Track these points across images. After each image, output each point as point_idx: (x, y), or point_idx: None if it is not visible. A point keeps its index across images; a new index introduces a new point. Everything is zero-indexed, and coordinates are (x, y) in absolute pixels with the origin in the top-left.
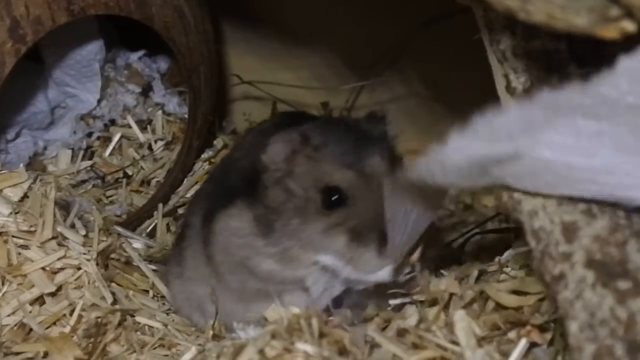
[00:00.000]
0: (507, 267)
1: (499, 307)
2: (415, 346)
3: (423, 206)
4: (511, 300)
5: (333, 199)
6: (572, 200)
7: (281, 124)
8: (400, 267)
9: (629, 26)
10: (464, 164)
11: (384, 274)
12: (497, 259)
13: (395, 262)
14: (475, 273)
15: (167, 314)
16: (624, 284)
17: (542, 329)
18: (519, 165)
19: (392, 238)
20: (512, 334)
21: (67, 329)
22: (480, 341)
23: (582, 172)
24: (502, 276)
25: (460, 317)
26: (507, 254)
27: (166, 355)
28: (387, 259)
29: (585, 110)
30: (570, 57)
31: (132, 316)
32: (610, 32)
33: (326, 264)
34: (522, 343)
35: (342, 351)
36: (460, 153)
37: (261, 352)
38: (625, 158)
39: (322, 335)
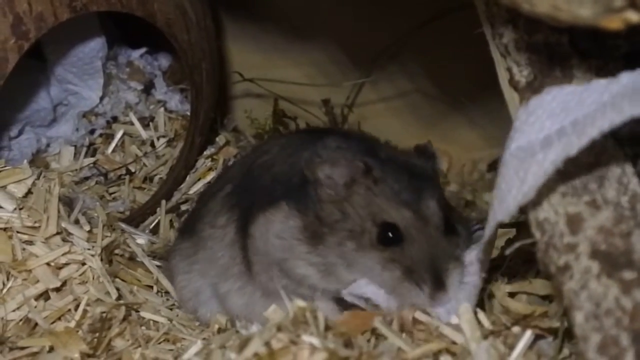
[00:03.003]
0: (510, 261)
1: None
2: (420, 339)
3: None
4: (519, 307)
5: (389, 235)
6: (576, 191)
7: (319, 136)
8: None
9: (633, 17)
10: None
11: (442, 316)
12: (500, 253)
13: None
14: None
15: (172, 309)
16: (629, 274)
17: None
18: None
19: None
20: (516, 329)
21: (72, 324)
22: (487, 335)
23: None
24: (506, 271)
25: (465, 310)
26: (511, 248)
27: (171, 350)
28: (439, 303)
29: None
30: (572, 50)
31: (137, 311)
32: (614, 23)
33: (372, 297)
34: (527, 335)
35: (348, 343)
36: None
37: (267, 344)
38: None
39: (327, 327)
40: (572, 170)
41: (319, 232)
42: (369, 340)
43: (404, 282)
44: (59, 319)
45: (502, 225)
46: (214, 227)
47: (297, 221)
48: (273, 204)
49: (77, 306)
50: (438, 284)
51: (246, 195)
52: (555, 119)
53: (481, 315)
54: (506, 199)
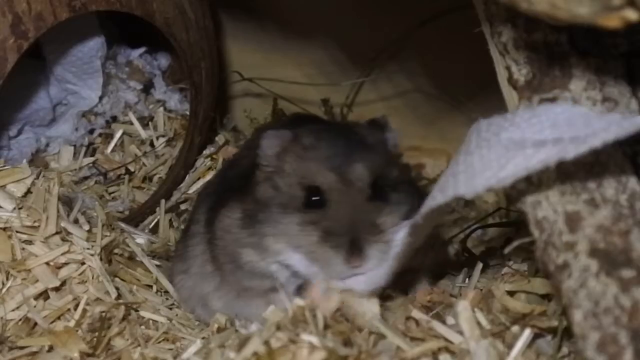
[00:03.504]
0: (509, 260)
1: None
2: (419, 338)
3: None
4: (517, 306)
5: (313, 198)
6: (575, 190)
7: (289, 125)
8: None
9: (631, 15)
10: None
11: (358, 283)
12: (499, 252)
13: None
14: (479, 267)
15: (171, 308)
16: (627, 273)
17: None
18: None
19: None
20: (515, 328)
21: (72, 323)
22: (485, 333)
23: None
24: (505, 269)
25: (463, 308)
26: (510, 246)
27: (170, 349)
28: (355, 268)
29: None
30: (571, 49)
31: (136, 310)
32: (612, 22)
33: (294, 265)
34: (526, 334)
35: (347, 342)
36: None
37: (266, 343)
38: None
39: (326, 326)
40: (571, 168)
41: (255, 213)
42: (368, 339)
43: (321, 246)
44: (59, 318)
45: (500, 224)
46: (193, 222)
47: (239, 211)
48: (228, 201)
49: (77, 306)
50: (354, 250)
51: (214, 190)
52: (556, 129)
53: (480, 314)
54: (476, 178)
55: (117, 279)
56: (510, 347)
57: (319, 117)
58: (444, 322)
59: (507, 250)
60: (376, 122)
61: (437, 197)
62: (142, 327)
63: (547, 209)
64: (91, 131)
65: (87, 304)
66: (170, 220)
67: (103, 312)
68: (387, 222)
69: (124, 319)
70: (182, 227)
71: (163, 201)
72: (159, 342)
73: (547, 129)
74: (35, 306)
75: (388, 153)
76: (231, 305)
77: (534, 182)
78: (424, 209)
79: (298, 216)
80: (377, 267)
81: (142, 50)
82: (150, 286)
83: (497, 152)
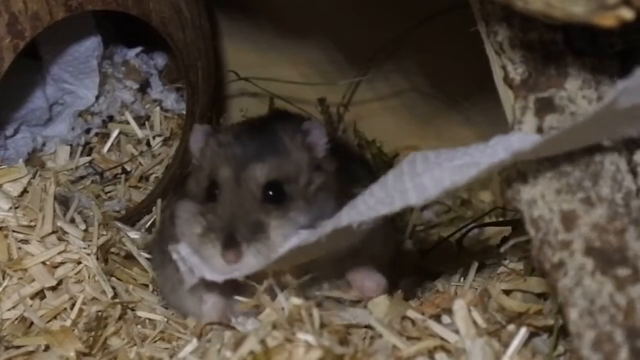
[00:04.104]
0: (505, 259)
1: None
2: (415, 337)
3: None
4: (513, 305)
5: (212, 192)
6: (571, 189)
7: (262, 121)
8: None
9: (626, 14)
10: None
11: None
12: (495, 251)
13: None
14: (475, 266)
15: (167, 307)
16: (623, 271)
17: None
18: None
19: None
20: (511, 327)
21: (68, 323)
22: (481, 332)
23: None
24: (501, 268)
25: (459, 307)
26: (506, 245)
27: (167, 348)
28: (231, 263)
29: None
30: (567, 48)
31: (133, 310)
32: (608, 20)
33: (182, 255)
34: (522, 333)
35: (343, 341)
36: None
37: (262, 342)
38: None
39: (323, 325)
40: (566, 167)
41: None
42: (364, 338)
43: (203, 238)
44: (55, 317)
45: (497, 223)
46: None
47: (173, 204)
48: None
49: (73, 305)
50: (230, 245)
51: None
52: (509, 151)
53: (476, 313)
54: (429, 189)
55: (113, 279)
56: (506, 345)
57: (294, 114)
58: (439, 321)
59: (503, 249)
60: (302, 127)
61: (379, 210)
62: (139, 326)
63: (542, 207)
64: (87, 131)
65: (83, 303)
66: None
67: (99, 311)
68: (273, 225)
69: (120, 318)
70: None
71: (159, 200)
72: (155, 342)
73: (501, 153)
74: (31, 305)
75: (311, 159)
76: (182, 299)
77: (530, 180)
78: (351, 217)
79: (194, 206)
80: (257, 266)
81: (138, 49)
82: (147, 285)
83: (450, 170)
